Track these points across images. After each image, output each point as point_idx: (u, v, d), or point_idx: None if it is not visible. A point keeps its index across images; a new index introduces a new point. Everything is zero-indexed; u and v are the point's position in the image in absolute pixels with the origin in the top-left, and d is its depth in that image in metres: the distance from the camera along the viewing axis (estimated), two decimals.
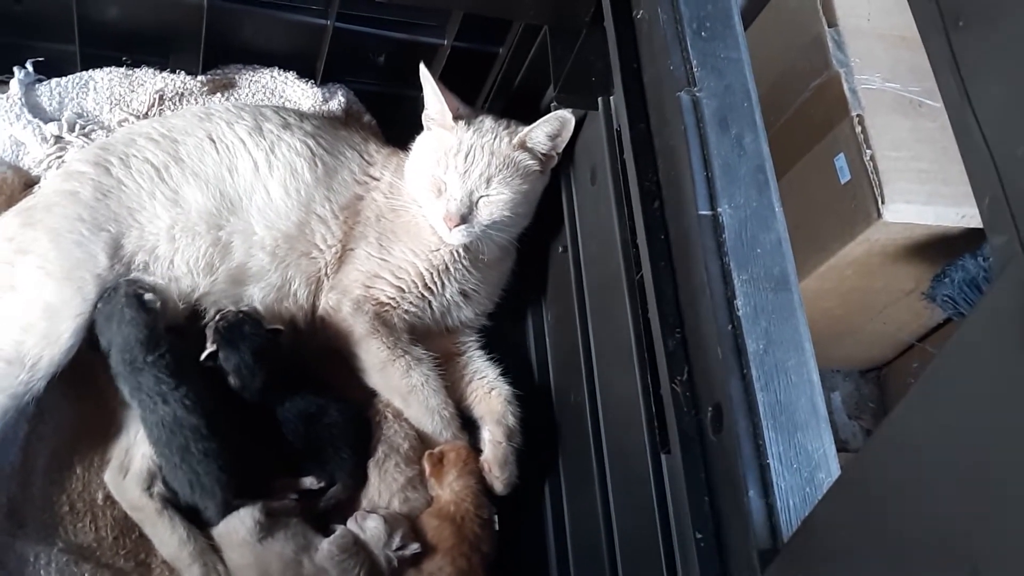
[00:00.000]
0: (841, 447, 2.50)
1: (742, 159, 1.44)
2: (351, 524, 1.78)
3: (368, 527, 1.76)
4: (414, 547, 1.76)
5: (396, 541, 1.75)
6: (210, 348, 1.77)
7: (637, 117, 1.61)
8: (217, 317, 1.80)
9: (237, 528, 1.71)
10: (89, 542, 1.74)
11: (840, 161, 2.13)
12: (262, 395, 1.80)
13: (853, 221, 2.11)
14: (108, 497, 1.78)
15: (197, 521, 1.75)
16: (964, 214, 2.09)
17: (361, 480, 1.85)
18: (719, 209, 1.40)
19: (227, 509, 1.72)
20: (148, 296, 1.75)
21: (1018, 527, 0.74)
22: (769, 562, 1.17)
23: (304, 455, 1.84)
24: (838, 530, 1.02)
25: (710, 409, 1.33)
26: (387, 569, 1.75)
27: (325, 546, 1.72)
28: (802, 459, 1.24)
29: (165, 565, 1.76)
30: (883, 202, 2.03)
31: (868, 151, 2.07)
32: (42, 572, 1.66)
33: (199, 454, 1.69)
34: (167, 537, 1.73)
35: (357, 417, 1.89)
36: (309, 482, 1.82)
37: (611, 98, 1.83)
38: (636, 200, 1.56)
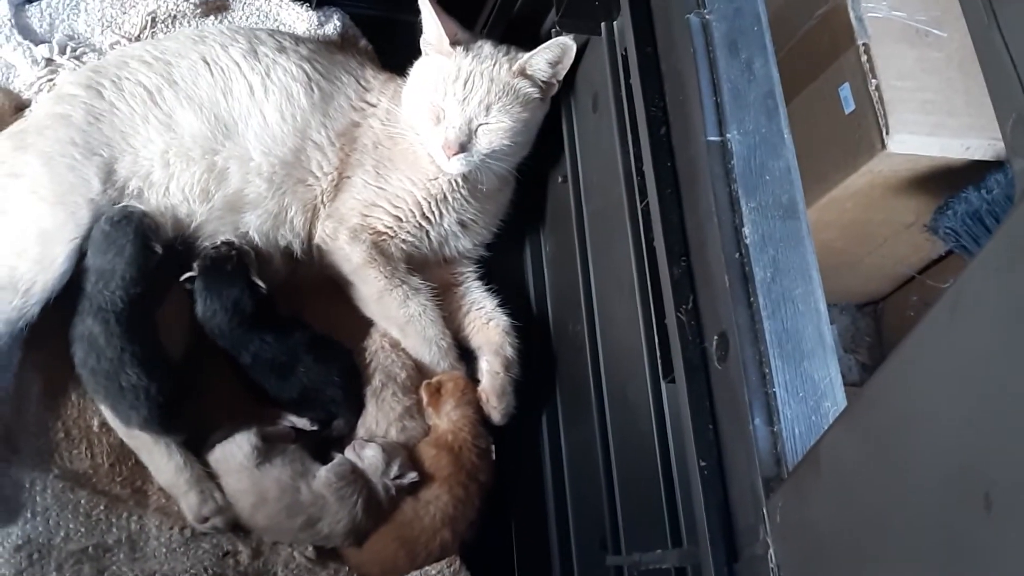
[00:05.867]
0: None
1: (751, 84, 1.41)
2: (349, 452, 1.78)
3: (366, 456, 1.76)
4: (412, 476, 1.77)
5: (394, 470, 1.75)
6: (190, 273, 1.76)
7: (644, 40, 1.57)
8: (210, 245, 1.79)
9: (234, 453, 1.71)
10: (85, 468, 1.73)
11: (845, 91, 2.09)
12: (224, 333, 1.79)
13: (856, 152, 2.08)
14: (104, 423, 1.76)
15: (194, 447, 1.74)
16: (969, 145, 2.05)
17: (358, 410, 1.85)
18: (728, 135, 1.37)
19: (161, 421, 1.71)
20: (154, 243, 1.73)
21: None
22: (773, 490, 1.16)
23: (291, 403, 1.83)
24: (845, 459, 1.01)
25: (715, 337, 1.32)
26: (385, 497, 1.76)
27: (323, 473, 1.72)
28: (808, 388, 1.23)
29: (162, 492, 1.75)
30: (887, 133, 2.00)
31: (874, 80, 2.03)
32: (38, 498, 1.65)
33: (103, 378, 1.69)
34: (163, 464, 1.73)
35: (335, 355, 1.87)
36: (302, 423, 1.82)
37: (614, 23, 1.80)
38: (643, 126, 1.53)
